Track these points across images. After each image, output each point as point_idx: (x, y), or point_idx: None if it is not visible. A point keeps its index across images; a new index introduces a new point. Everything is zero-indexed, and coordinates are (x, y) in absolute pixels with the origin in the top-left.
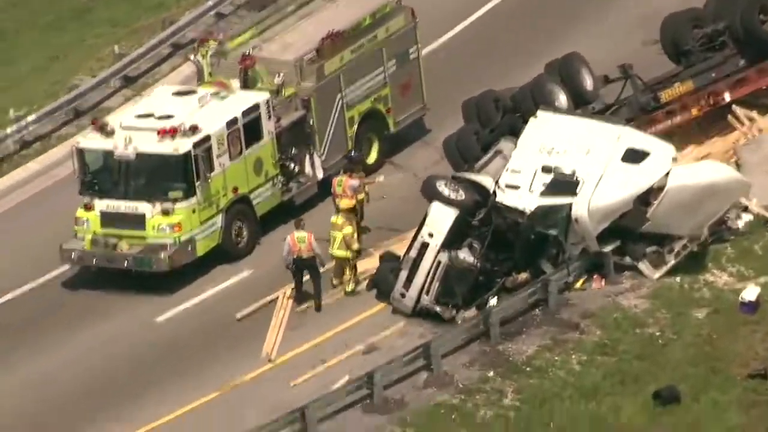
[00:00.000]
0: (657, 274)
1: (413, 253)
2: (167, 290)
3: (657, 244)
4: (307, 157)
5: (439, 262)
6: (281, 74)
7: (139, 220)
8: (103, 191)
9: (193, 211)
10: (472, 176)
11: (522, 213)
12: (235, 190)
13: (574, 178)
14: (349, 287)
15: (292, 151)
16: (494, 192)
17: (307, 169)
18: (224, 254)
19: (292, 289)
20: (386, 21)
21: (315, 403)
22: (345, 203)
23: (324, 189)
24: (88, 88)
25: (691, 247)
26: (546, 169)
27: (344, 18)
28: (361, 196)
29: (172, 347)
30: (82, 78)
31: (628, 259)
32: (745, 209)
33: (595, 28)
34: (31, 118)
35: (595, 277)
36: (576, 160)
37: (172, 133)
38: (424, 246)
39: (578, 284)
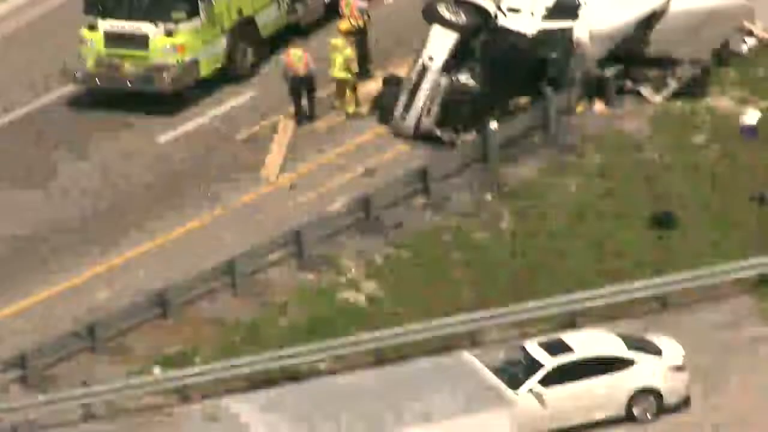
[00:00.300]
0: (658, 98)
1: (414, 76)
2: (169, 111)
3: (659, 68)
4: None
5: (439, 85)
6: None
7: (142, 41)
8: (107, 11)
9: (197, 32)
10: None
11: (523, 36)
12: (240, 11)
13: (576, 2)
14: (350, 108)
15: None
16: (495, 15)
17: None
18: (227, 76)
19: (293, 110)
20: None
21: (312, 224)
22: (345, 25)
23: (330, 12)
24: None
25: (693, 71)
26: None
27: None
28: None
29: (174, 167)
30: None
31: (629, 83)
32: (750, 33)
33: None
34: None
35: (596, 100)
36: None
37: None
38: (425, 69)
39: (579, 108)
